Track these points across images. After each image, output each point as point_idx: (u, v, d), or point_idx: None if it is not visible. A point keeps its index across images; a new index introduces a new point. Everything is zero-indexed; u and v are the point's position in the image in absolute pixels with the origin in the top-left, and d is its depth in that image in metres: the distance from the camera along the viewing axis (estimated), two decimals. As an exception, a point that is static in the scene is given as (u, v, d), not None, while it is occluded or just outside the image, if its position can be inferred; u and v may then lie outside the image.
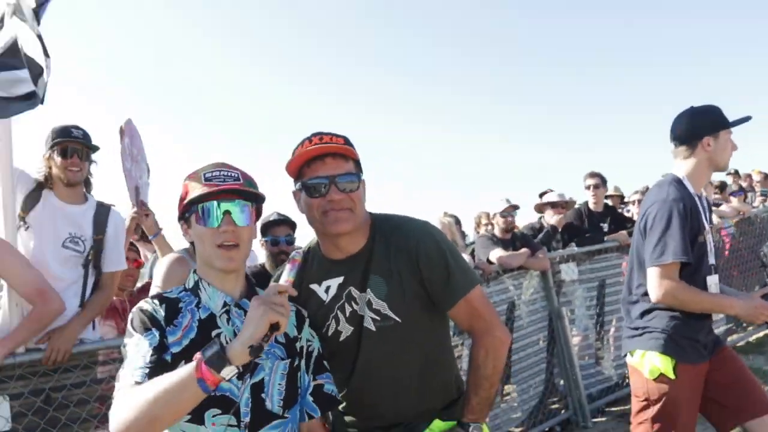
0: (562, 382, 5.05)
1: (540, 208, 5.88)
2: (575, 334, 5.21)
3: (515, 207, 5.16)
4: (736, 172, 9.66)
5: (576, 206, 5.91)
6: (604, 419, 5.07)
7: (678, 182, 2.74)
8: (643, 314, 2.75)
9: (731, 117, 2.79)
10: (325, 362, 1.85)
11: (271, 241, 3.40)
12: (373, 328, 1.93)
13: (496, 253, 4.75)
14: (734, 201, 7.44)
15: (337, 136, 1.90)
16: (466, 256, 4.58)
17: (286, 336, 1.78)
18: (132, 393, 1.44)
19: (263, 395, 1.67)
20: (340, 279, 1.96)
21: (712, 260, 2.79)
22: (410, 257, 1.90)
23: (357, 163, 1.93)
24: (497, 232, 5.18)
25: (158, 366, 1.52)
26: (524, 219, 6.19)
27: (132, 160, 3.97)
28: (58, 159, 3.19)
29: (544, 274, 5.02)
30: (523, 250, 4.87)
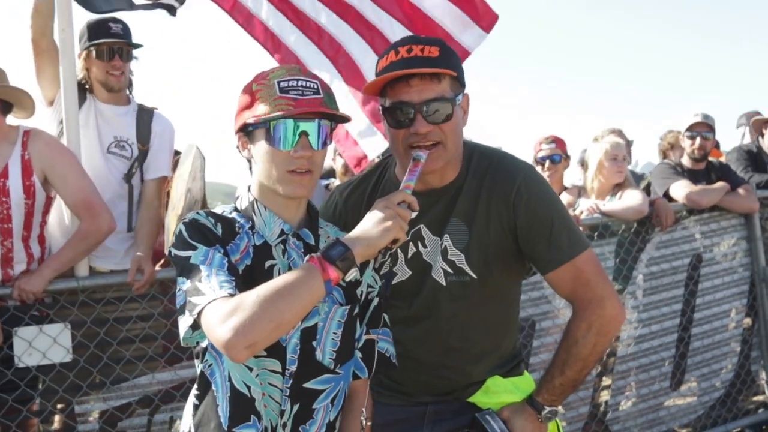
0: (762, 372, 4.29)
1: (760, 126, 4.95)
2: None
3: (709, 126, 4.26)
4: None
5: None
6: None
7: None
8: None
9: None
10: (385, 316, 1.78)
11: None
12: (443, 283, 1.86)
13: (681, 187, 3.94)
14: None
15: (432, 44, 1.75)
16: (638, 193, 3.76)
17: None
18: (239, 302, 1.42)
19: (314, 343, 1.63)
20: (413, 213, 1.77)
21: None
22: (507, 204, 1.81)
23: (455, 79, 1.77)
24: (685, 159, 4.31)
25: (237, 281, 1.49)
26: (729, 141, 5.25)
27: None
28: (97, 61, 3.09)
29: (750, 219, 4.17)
30: (720, 184, 4.06)
